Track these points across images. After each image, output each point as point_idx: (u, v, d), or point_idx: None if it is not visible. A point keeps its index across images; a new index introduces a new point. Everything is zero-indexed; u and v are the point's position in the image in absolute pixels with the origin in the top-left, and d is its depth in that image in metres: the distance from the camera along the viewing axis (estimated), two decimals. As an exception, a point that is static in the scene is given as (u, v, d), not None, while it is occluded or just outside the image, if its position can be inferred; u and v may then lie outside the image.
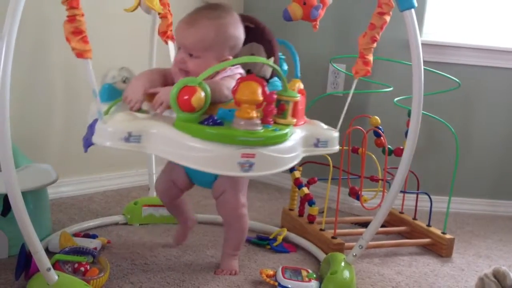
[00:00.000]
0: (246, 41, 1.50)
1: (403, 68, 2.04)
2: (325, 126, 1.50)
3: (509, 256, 1.96)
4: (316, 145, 1.42)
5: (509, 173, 2.51)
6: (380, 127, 1.90)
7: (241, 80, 1.21)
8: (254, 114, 1.19)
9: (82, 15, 1.11)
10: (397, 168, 1.45)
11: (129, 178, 2.33)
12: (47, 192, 1.72)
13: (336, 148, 1.48)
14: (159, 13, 1.77)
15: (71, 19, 1.10)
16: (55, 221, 1.83)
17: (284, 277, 1.46)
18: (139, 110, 1.28)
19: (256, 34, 1.52)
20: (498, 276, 1.42)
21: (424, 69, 1.41)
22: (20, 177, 1.51)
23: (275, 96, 1.25)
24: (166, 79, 1.39)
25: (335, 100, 2.48)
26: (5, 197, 1.59)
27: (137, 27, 2.10)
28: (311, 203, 1.89)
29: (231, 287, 1.48)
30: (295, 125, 1.37)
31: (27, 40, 1.90)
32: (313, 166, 1.97)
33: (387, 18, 1.42)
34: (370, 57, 1.47)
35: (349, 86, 2.45)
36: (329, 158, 1.77)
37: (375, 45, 1.46)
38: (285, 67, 1.62)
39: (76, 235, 1.67)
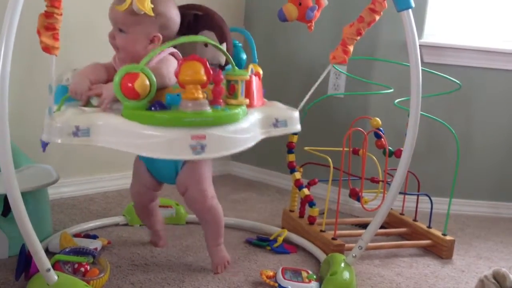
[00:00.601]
0: (197, 29, 1.49)
1: (403, 70, 2.04)
2: (284, 106, 1.48)
3: (510, 258, 1.96)
4: (275, 125, 1.40)
5: (510, 175, 2.51)
6: (381, 128, 1.90)
7: (182, 61, 1.19)
8: (200, 94, 1.17)
9: (61, 14, 1.11)
10: (396, 169, 1.45)
11: (130, 179, 2.31)
12: (47, 193, 1.72)
13: (297, 127, 1.46)
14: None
15: (48, 14, 1.10)
16: (55, 221, 1.83)
17: (284, 278, 1.46)
18: (88, 104, 1.28)
19: (206, 21, 1.51)
20: (498, 278, 1.41)
21: (425, 70, 1.41)
22: (20, 177, 1.53)
23: (222, 76, 1.25)
24: (109, 72, 1.36)
25: (336, 102, 2.48)
26: (6, 198, 1.60)
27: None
28: (312, 204, 1.89)
29: (231, 287, 1.48)
30: (251, 106, 1.36)
31: (28, 39, 1.90)
32: (313, 168, 1.97)
33: (377, 17, 1.43)
34: (351, 48, 1.48)
35: (350, 88, 2.46)
36: (330, 160, 1.77)
37: (358, 38, 1.47)
38: (244, 56, 1.61)
39: (76, 235, 1.68)
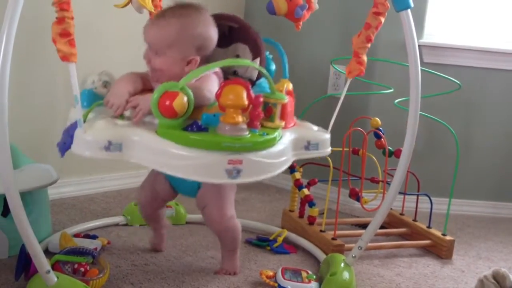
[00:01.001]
0: (230, 42, 1.47)
1: (403, 70, 2.04)
2: (315, 128, 1.46)
3: (510, 258, 1.96)
4: (307, 148, 1.38)
5: (510, 175, 2.51)
6: (381, 128, 1.90)
7: (225, 84, 1.16)
8: (239, 118, 1.14)
9: (72, 18, 1.09)
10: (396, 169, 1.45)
11: (130, 179, 2.33)
12: (47, 193, 1.72)
13: (328, 150, 1.44)
14: (150, 13, 1.76)
15: (60, 20, 1.08)
16: (55, 221, 1.83)
17: (284, 278, 1.46)
18: (121, 116, 1.24)
19: (240, 34, 1.48)
20: (498, 278, 1.41)
21: (424, 70, 1.41)
22: (20, 177, 1.53)
23: (261, 99, 1.21)
24: (145, 82, 1.35)
25: (336, 102, 2.48)
26: (5, 198, 1.60)
27: (134, 28, 2.10)
28: (312, 204, 1.89)
29: (230, 287, 1.49)
30: (284, 127, 1.33)
31: (28, 40, 1.91)
32: (313, 167, 1.97)
33: (382, 19, 1.42)
34: (364, 57, 1.46)
35: (350, 88, 2.45)
36: (330, 160, 1.77)
37: (369, 45, 1.45)
38: (273, 67, 1.57)
39: (76, 235, 1.68)
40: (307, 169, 2.01)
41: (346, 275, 1.46)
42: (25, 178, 1.55)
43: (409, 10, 1.32)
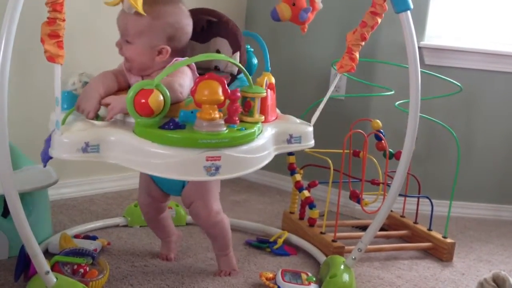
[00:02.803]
0: (210, 36, 1.46)
1: (404, 72, 2.04)
2: (298, 121, 1.44)
3: (510, 261, 1.95)
4: (289, 141, 1.37)
5: (511, 178, 2.50)
6: (381, 130, 1.90)
7: (199, 80, 1.15)
8: (216, 114, 1.14)
9: (63, 20, 1.09)
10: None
11: (130, 180, 2.32)
12: (47, 194, 1.72)
13: (311, 143, 1.43)
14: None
15: (51, 21, 1.08)
16: (55, 222, 1.83)
17: (283, 280, 1.46)
18: (96, 117, 1.23)
19: (219, 28, 1.46)
20: (498, 281, 1.41)
21: (425, 73, 1.41)
22: (20, 178, 1.53)
23: (239, 94, 1.21)
24: (119, 80, 1.33)
25: (337, 104, 2.48)
26: (5, 198, 1.60)
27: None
28: (312, 206, 1.89)
29: (230, 289, 1.48)
30: (265, 121, 1.33)
31: (26, 41, 1.90)
32: (314, 169, 1.97)
33: (379, 19, 1.42)
34: (357, 54, 1.46)
35: (351, 90, 2.46)
36: (330, 162, 1.77)
37: (363, 43, 1.46)
38: (255, 61, 1.56)
39: (76, 236, 1.68)
40: (307, 171, 2.01)
41: (346, 277, 1.46)
42: (25, 178, 1.55)
43: (408, 12, 1.32)
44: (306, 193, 1.90)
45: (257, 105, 1.29)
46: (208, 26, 1.47)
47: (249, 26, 2.77)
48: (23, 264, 1.32)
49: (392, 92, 2.03)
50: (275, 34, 2.67)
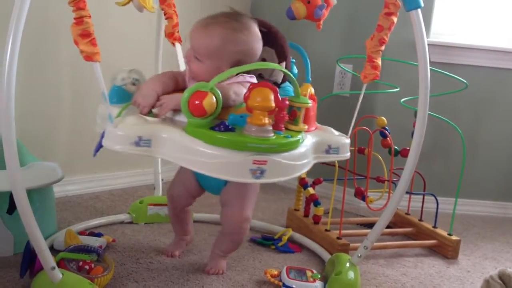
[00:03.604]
0: None
1: (410, 69, 2.03)
2: (336, 133, 1.47)
3: (516, 259, 1.95)
4: (327, 152, 1.40)
5: (517, 175, 2.49)
6: (387, 127, 1.89)
7: (253, 86, 1.18)
8: (266, 120, 1.17)
9: (89, 16, 1.10)
10: (403, 169, 1.44)
11: (135, 177, 2.33)
12: (53, 191, 1.72)
13: (347, 154, 1.45)
14: (165, 13, 1.76)
15: (79, 21, 1.09)
16: (60, 219, 1.83)
17: (288, 277, 1.46)
18: (149, 114, 1.26)
19: (268, 38, 1.49)
20: (504, 278, 1.41)
21: (431, 70, 1.40)
22: (26, 175, 1.53)
23: (287, 103, 1.25)
24: (177, 82, 1.37)
25: (342, 101, 2.48)
26: (11, 195, 1.60)
27: (142, 28, 2.10)
28: (317, 204, 1.89)
29: (235, 286, 1.48)
30: (307, 131, 1.36)
31: (34, 39, 1.91)
32: (318, 167, 1.96)
33: (394, 19, 1.40)
34: (379, 61, 1.44)
35: (355, 87, 2.45)
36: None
37: (383, 47, 1.43)
38: (295, 70, 1.61)
39: (81, 233, 1.68)
40: (312, 168, 1.99)
41: (351, 274, 1.46)
42: (31, 175, 1.55)
43: (419, 10, 1.31)
44: (311, 190, 1.90)
45: (302, 114, 1.32)
46: None
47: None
48: (28, 261, 1.32)
49: (398, 90, 2.03)
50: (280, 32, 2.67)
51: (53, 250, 1.55)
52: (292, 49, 1.59)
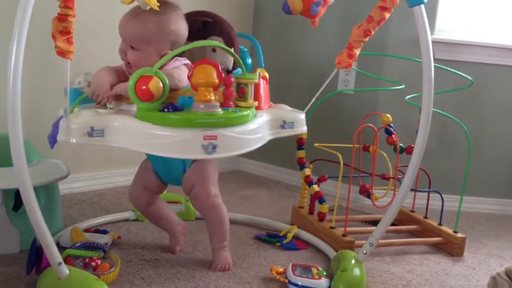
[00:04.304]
0: (205, 35, 1.53)
1: (414, 66, 2.03)
2: (290, 109, 1.53)
3: (521, 256, 1.95)
4: (282, 127, 1.45)
5: (522, 173, 2.49)
6: (392, 125, 1.89)
7: (195, 65, 1.23)
8: (212, 96, 1.22)
9: (74, 15, 1.13)
10: (407, 166, 1.44)
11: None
12: (58, 188, 1.73)
13: (304, 128, 1.51)
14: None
15: (62, 18, 1.12)
16: (66, 216, 1.84)
17: (294, 274, 1.46)
18: (104, 106, 1.31)
19: (214, 27, 1.55)
20: (511, 275, 1.40)
21: (436, 67, 1.39)
22: (32, 172, 1.52)
23: (232, 79, 1.29)
24: (120, 76, 1.40)
25: (346, 98, 2.47)
26: (17, 192, 1.61)
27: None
28: (322, 201, 1.89)
29: (241, 283, 1.48)
30: (259, 109, 1.40)
31: (38, 36, 1.91)
32: (323, 164, 1.97)
33: (387, 14, 1.40)
34: (357, 51, 1.47)
35: (360, 84, 2.45)
36: (340, 156, 1.76)
37: (366, 39, 1.46)
38: (249, 60, 1.65)
39: (87, 230, 1.68)
40: (317, 166, 2.00)
41: (357, 271, 1.46)
42: (37, 173, 1.55)
43: (422, 6, 1.31)
44: (315, 187, 1.90)
45: (250, 91, 1.36)
46: (204, 26, 1.54)
47: (257, 24, 2.77)
48: (35, 258, 1.33)
49: (403, 87, 2.02)
50: (283, 31, 2.67)
51: (59, 247, 1.53)
52: (245, 38, 1.68)
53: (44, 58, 1.94)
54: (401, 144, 1.88)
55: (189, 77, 1.24)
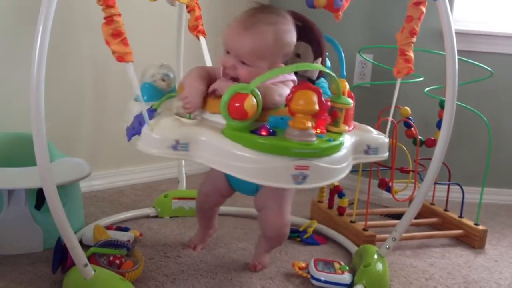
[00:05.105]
0: None
1: (432, 58, 2.01)
2: (375, 132, 1.40)
3: (543, 248, 1.93)
4: (366, 152, 1.33)
5: (542, 163, 2.46)
6: (411, 117, 1.87)
7: (296, 89, 1.13)
8: (309, 124, 1.11)
9: (119, 15, 1.07)
10: (427, 159, 1.43)
11: (159, 171, 2.34)
12: (79, 186, 1.74)
13: (386, 155, 1.39)
14: (186, 6, 1.75)
15: (109, 20, 1.07)
16: (87, 214, 1.85)
17: (316, 270, 1.46)
18: (188, 115, 1.20)
19: (303, 33, 1.42)
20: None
21: (458, 59, 1.38)
22: (54, 171, 1.54)
23: (329, 104, 1.19)
24: (211, 79, 1.28)
25: (362, 91, 2.46)
26: (38, 191, 1.62)
27: (163, 21, 2.09)
28: (341, 195, 1.88)
29: (263, 279, 1.48)
30: (347, 132, 1.30)
31: (56, 36, 1.91)
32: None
33: (423, 8, 1.37)
34: (411, 53, 1.39)
35: (376, 77, 2.43)
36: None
37: (414, 39, 1.38)
38: (328, 63, 1.54)
39: (108, 228, 1.69)
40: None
41: (379, 266, 1.46)
42: (59, 172, 1.56)
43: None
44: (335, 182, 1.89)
45: (343, 116, 1.27)
46: None
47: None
48: (60, 256, 1.33)
49: (422, 79, 2.00)
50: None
51: (81, 245, 1.56)
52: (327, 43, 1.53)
53: (60, 57, 1.94)
54: (420, 137, 1.86)
55: (288, 100, 1.12)
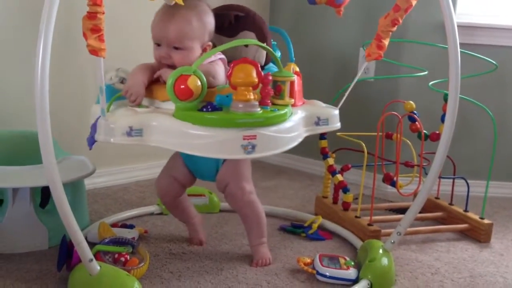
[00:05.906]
0: (237, 30, 1.50)
1: (437, 51, 2.00)
2: (324, 105, 1.51)
3: (549, 241, 1.92)
4: (317, 124, 1.44)
5: (546, 156, 2.45)
6: (415, 111, 1.87)
7: (235, 64, 1.22)
8: (251, 96, 1.21)
9: (103, 13, 1.12)
10: (432, 153, 1.42)
11: (162, 168, 2.34)
12: (84, 183, 1.74)
13: (337, 125, 1.49)
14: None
15: (92, 16, 1.11)
16: (91, 211, 1.85)
17: (322, 265, 1.46)
18: (139, 105, 1.30)
19: (246, 22, 1.52)
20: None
21: (461, 52, 1.37)
22: (59, 169, 1.55)
23: (270, 77, 1.27)
24: (155, 72, 1.37)
25: (366, 86, 2.45)
26: (43, 189, 1.62)
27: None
28: (346, 190, 1.88)
29: (269, 275, 1.48)
30: (294, 106, 1.39)
31: (59, 34, 1.91)
32: (344, 153, 1.96)
33: (414, 1, 1.39)
34: (386, 41, 1.45)
35: (380, 72, 2.42)
36: (363, 145, 1.75)
37: (394, 28, 1.44)
38: (278, 53, 1.63)
39: (113, 225, 1.69)
40: (340, 155, 1.99)
41: (385, 261, 1.45)
42: (63, 170, 1.56)
43: (447, -9, 1.29)
44: (339, 177, 1.89)
45: (287, 88, 1.35)
46: (236, 21, 1.51)
47: (274, 17, 2.75)
48: (65, 254, 1.34)
49: (425, 73, 1.99)
50: (299, 24, 2.65)
51: (87, 242, 1.56)
52: (275, 32, 1.63)
53: (63, 55, 1.95)
54: (425, 131, 1.86)
55: (228, 76, 1.22)
